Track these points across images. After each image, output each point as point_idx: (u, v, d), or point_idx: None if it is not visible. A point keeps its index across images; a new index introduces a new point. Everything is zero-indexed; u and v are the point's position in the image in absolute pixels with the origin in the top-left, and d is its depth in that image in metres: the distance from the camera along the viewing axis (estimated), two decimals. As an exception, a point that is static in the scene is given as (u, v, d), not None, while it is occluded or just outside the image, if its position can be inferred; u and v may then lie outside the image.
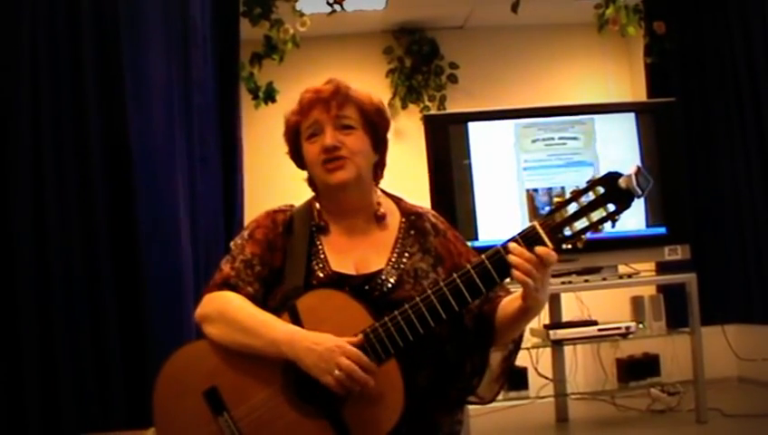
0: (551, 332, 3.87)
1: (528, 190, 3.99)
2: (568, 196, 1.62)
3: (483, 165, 3.98)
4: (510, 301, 1.77)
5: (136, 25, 3.12)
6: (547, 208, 1.66)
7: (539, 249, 1.60)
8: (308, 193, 2.02)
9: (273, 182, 5.16)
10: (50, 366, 2.81)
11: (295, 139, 1.91)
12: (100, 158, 3.00)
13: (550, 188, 4.00)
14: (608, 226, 1.62)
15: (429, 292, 1.67)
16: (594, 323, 3.95)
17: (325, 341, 1.66)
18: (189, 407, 1.76)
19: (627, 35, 4.88)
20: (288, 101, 1.97)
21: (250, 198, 4.27)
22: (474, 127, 4.01)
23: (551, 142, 4.04)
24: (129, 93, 3.05)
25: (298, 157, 1.94)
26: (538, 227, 1.62)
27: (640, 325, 4.10)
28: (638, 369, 4.33)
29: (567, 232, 1.62)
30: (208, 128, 3.74)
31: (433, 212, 1.97)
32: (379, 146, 1.92)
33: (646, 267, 4.24)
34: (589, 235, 1.62)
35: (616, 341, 4.11)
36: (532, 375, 4.10)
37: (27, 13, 2.94)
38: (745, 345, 4.61)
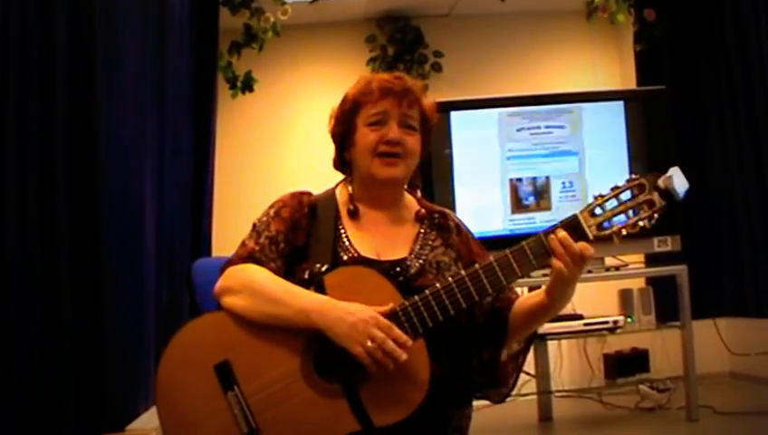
0: (535, 326, 3.79)
1: (511, 180, 3.95)
2: (608, 192, 1.69)
3: (465, 155, 3.93)
4: (529, 296, 1.82)
5: (111, 14, 3.07)
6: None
7: (580, 244, 1.65)
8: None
9: (247, 170, 5.14)
10: None
11: (349, 116, 1.90)
12: (64, 144, 2.91)
13: (534, 178, 3.96)
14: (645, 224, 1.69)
15: (463, 273, 1.68)
16: (580, 317, 3.90)
17: (358, 311, 1.64)
18: (198, 380, 1.68)
19: (616, 23, 4.87)
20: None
21: (223, 185, 4.21)
22: (456, 116, 3.96)
23: (536, 131, 4.01)
24: (100, 81, 2.99)
25: (341, 137, 1.93)
26: (580, 217, 1.68)
27: (629, 319, 4.05)
28: (626, 365, 4.29)
29: (606, 225, 1.68)
30: (182, 118, 3.74)
31: (454, 214, 2.02)
32: (424, 151, 1.96)
33: (634, 259, 4.17)
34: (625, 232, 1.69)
35: (603, 335, 4.06)
36: (515, 371, 4.01)
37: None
38: (737, 340, 4.57)
